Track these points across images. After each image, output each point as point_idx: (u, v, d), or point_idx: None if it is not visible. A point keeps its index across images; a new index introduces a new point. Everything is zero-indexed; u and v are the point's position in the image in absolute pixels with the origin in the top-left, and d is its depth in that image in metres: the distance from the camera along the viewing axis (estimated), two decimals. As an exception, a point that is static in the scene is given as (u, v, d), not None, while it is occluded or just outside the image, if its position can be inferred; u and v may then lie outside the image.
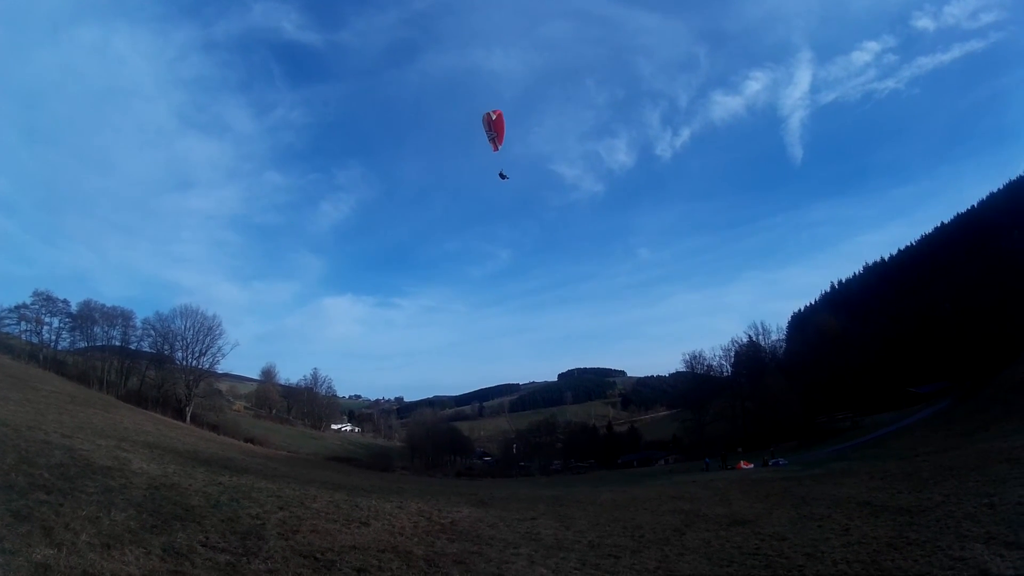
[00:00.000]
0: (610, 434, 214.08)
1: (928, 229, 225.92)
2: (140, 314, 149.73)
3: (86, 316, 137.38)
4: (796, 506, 28.55)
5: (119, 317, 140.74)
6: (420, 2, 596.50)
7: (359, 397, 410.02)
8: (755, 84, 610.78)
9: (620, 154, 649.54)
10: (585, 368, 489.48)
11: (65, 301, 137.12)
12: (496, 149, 49.44)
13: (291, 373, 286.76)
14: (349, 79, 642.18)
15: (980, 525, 18.99)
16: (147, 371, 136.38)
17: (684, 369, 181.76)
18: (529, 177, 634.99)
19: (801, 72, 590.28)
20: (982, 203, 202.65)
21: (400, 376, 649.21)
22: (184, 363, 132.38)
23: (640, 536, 23.24)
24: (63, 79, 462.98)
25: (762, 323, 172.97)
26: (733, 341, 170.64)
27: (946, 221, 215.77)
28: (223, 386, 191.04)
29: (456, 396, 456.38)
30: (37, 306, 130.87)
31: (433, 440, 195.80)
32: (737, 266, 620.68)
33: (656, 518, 28.36)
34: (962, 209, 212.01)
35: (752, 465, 73.85)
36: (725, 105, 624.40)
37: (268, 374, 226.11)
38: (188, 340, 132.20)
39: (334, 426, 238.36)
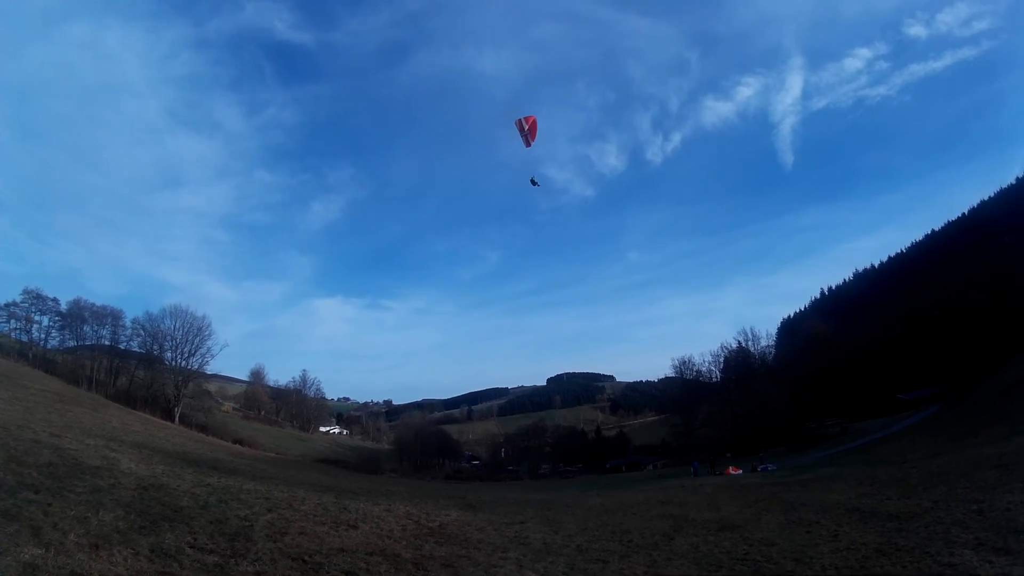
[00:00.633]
0: (599, 438, 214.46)
1: (919, 236, 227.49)
2: (130, 313, 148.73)
3: (76, 315, 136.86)
4: (785, 512, 28.53)
5: (109, 316, 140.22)
6: (412, 3, 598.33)
7: (348, 399, 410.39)
8: (746, 89, 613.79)
9: (611, 157, 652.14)
10: (574, 372, 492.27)
11: (55, 299, 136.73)
12: (528, 145, 49.84)
13: (280, 374, 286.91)
14: (340, 79, 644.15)
15: (969, 531, 19.03)
16: (136, 371, 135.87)
17: (673, 374, 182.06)
18: (519, 179, 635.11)
19: (793, 78, 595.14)
20: (973, 210, 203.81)
21: (389, 378, 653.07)
22: (173, 363, 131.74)
23: (629, 541, 23.22)
24: (54, 75, 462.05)
25: (752, 328, 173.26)
26: (723, 346, 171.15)
27: (937, 228, 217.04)
28: (212, 387, 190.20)
29: (445, 399, 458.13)
30: (27, 304, 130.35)
31: (421, 443, 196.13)
32: (727, 271, 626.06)
33: (645, 523, 28.38)
34: (953, 216, 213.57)
35: (741, 470, 73.88)
36: (716, 110, 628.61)
37: (257, 375, 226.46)
38: (177, 340, 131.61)
39: (322, 428, 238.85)
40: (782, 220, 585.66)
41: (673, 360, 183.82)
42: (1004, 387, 73.88)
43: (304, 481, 49.65)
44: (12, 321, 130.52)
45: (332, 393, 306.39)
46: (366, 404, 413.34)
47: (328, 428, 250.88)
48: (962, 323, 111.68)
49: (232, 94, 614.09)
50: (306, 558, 16.59)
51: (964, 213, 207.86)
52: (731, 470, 74.79)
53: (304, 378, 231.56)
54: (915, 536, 19.66)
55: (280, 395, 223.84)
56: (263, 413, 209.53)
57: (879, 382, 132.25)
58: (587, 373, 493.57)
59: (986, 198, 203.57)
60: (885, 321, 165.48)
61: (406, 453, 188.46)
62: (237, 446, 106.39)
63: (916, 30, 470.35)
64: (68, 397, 77.19)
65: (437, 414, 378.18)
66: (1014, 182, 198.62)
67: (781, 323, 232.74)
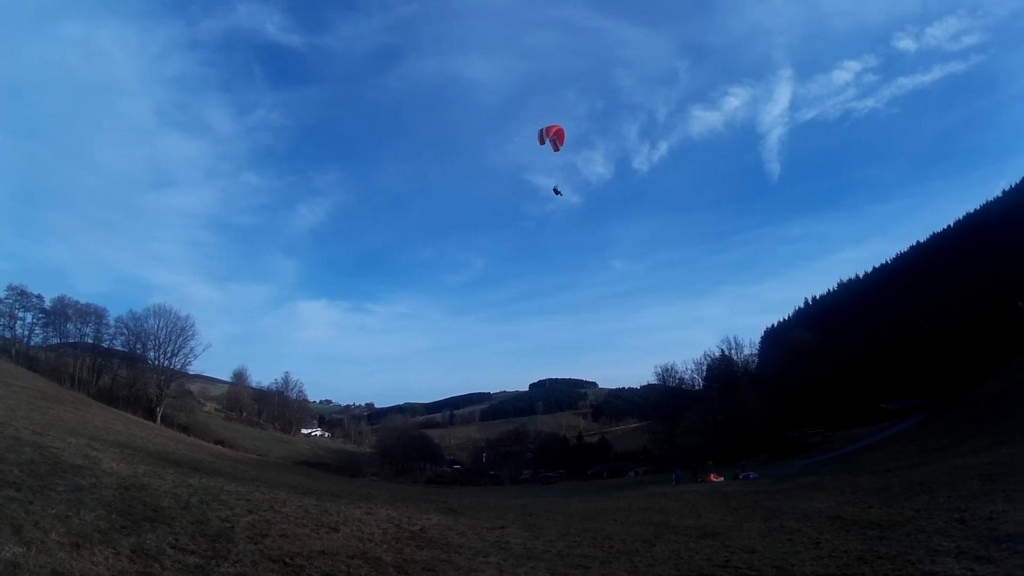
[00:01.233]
0: (580, 445, 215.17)
1: (904, 247, 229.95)
2: (113, 312, 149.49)
3: (60, 312, 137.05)
4: (766, 519, 28.66)
5: (92, 314, 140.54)
6: (405, 8, 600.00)
7: (330, 402, 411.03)
8: (735, 100, 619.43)
9: (597, 166, 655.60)
10: (557, 378, 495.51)
11: (39, 296, 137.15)
12: (557, 149, 50.17)
13: (263, 376, 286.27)
14: (330, 83, 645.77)
15: (951, 540, 19.25)
16: (119, 370, 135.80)
17: (656, 382, 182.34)
18: (506, 186, 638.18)
19: (781, 89, 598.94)
20: (959, 223, 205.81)
21: (372, 382, 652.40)
22: (156, 363, 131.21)
23: (610, 547, 23.24)
24: (46, 73, 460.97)
25: (735, 337, 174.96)
26: (706, 355, 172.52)
27: (922, 240, 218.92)
28: (194, 387, 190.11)
29: (427, 403, 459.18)
30: (11, 300, 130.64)
31: (403, 447, 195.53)
32: (712, 280, 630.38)
33: (626, 529, 28.41)
34: (939, 228, 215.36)
35: (722, 478, 74.11)
36: (704, 120, 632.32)
37: (240, 376, 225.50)
38: (161, 340, 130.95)
39: (304, 430, 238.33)
40: (768, 230, 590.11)
41: (656, 368, 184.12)
42: (987, 399, 74.47)
43: (285, 483, 49.49)
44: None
45: (314, 395, 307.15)
46: (348, 407, 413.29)
47: (310, 430, 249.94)
48: (946, 334, 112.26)
49: (222, 95, 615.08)
50: (287, 560, 16.55)
51: (950, 225, 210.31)
52: (713, 478, 75.01)
53: (287, 380, 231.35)
54: (897, 544, 19.85)
55: (262, 397, 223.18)
56: (245, 414, 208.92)
57: (862, 392, 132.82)
58: (570, 379, 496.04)
59: (972, 211, 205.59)
60: (869, 331, 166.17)
61: (388, 456, 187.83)
62: (219, 447, 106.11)
63: (905, 44, 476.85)
64: (51, 395, 76.89)
65: (419, 418, 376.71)
66: (1000, 195, 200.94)
67: (765, 332, 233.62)
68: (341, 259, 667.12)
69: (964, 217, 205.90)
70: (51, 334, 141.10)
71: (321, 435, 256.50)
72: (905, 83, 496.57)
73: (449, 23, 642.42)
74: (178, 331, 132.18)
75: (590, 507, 40.89)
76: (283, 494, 33.70)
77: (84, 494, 21.18)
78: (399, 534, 24.27)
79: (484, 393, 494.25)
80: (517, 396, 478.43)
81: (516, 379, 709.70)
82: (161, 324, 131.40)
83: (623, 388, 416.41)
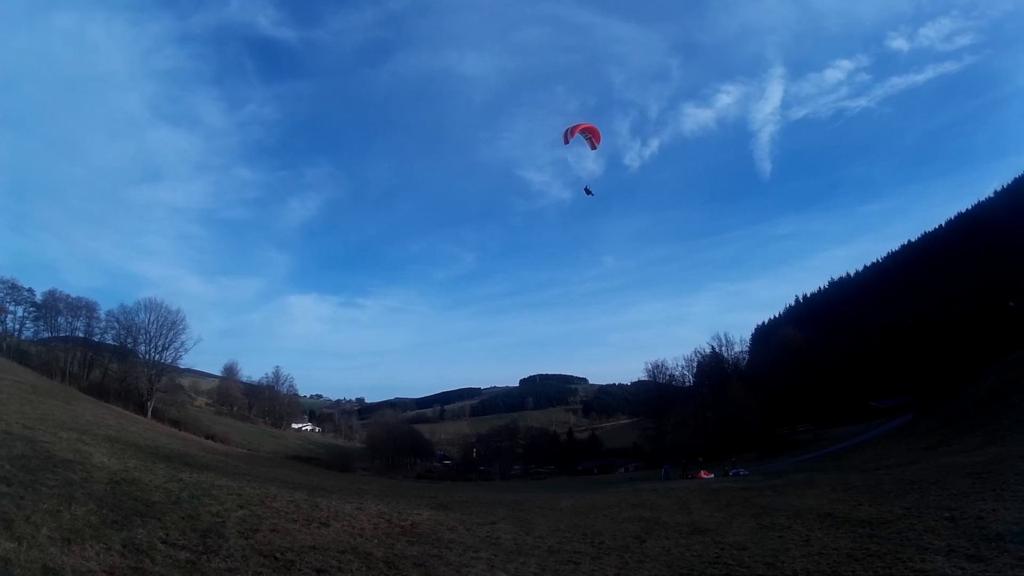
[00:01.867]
0: (571, 440, 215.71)
1: (895, 246, 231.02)
2: (104, 306, 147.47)
3: (51, 306, 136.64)
4: (757, 516, 28.65)
5: (83, 308, 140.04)
6: (396, 3, 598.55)
7: (320, 397, 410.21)
8: (726, 97, 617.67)
9: (588, 162, 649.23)
10: (547, 374, 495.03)
11: (30, 290, 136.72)
12: (594, 148, 50.01)
13: (253, 370, 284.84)
14: (322, 77, 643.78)
15: (941, 538, 19.17)
16: (110, 364, 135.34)
17: (646, 378, 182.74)
18: (496, 182, 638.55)
19: (773, 87, 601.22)
20: (950, 222, 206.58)
21: (362, 377, 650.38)
22: (147, 357, 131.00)
23: (600, 543, 23.27)
24: (36, 65, 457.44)
25: (725, 334, 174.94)
26: (696, 351, 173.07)
27: (913, 239, 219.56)
28: (185, 381, 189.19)
29: (417, 398, 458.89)
30: (1, 294, 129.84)
31: (394, 442, 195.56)
32: (702, 277, 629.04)
33: (616, 525, 28.42)
34: (929, 228, 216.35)
35: (712, 475, 74.18)
36: (695, 117, 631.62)
37: (230, 371, 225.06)
38: (151, 334, 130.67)
39: (295, 425, 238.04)
40: (758, 228, 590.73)
41: (646, 364, 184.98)
42: (978, 397, 74.41)
43: (276, 478, 49.49)
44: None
45: (305, 390, 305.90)
46: (339, 402, 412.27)
47: (300, 425, 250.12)
48: (937, 333, 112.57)
49: (214, 89, 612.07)
50: (278, 555, 16.62)
51: (941, 225, 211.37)
52: (703, 474, 75.05)
53: (277, 374, 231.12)
54: (887, 542, 19.77)
55: (253, 391, 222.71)
56: (236, 409, 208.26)
57: (853, 390, 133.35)
58: (560, 375, 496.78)
59: (964, 211, 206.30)
60: (860, 329, 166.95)
61: (378, 451, 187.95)
62: (209, 441, 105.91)
63: (899, 43, 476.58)
64: (42, 389, 76.58)
65: (410, 413, 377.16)
66: (992, 195, 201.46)
67: (755, 330, 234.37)
68: (332, 253, 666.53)
69: (956, 217, 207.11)
70: (42, 328, 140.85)
71: (311, 430, 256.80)
72: (898, 83, 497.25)
73: (440, 18, 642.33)
74: (169, 325, 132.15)
75: (580, 503, 40.85)
76: (274, 489, 33.70)
77: (75, 489, 21.19)
78: (390, 529, 24.31)
79: (474, 388, 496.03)
80: (507, 392, 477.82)
81: (506, 375, 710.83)
82: (152, 318, 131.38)
83: (613, 384, 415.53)
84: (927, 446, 60.64)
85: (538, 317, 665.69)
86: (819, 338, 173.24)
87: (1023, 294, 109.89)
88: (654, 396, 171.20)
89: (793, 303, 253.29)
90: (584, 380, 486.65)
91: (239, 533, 18.94)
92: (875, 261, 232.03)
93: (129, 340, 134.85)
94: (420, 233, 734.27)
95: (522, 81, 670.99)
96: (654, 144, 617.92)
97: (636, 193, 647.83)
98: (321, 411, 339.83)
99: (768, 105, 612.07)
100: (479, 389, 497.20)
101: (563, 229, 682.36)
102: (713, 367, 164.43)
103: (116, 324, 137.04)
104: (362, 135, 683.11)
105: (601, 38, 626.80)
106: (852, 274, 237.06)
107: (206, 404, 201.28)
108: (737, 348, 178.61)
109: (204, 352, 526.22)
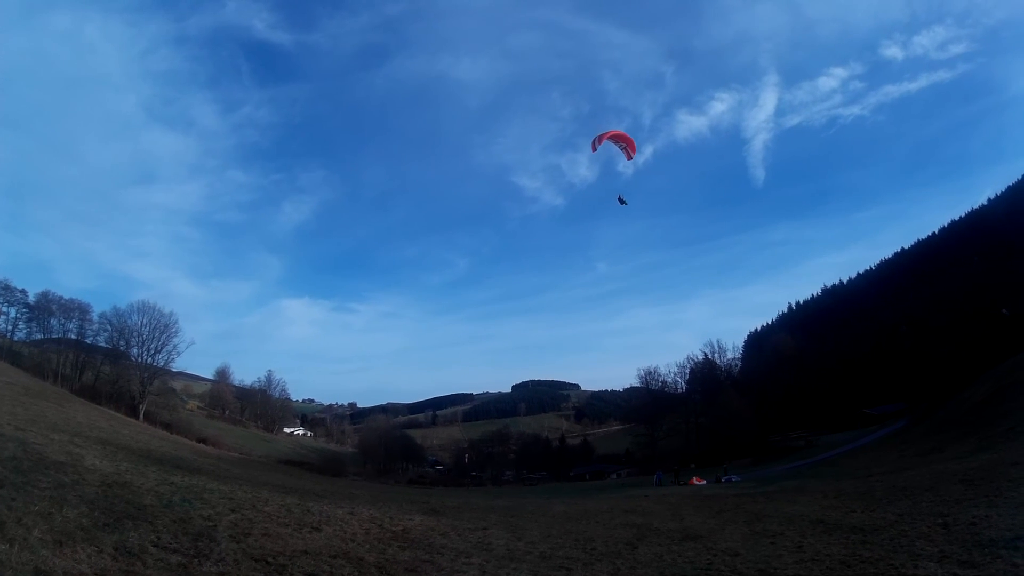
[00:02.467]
0: (563, 446, 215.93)
1: (888, 253, 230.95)
2: (97, 307, 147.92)
3: (44, 307, 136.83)
4: (749, 522, 28.68)
5: (76, 310, 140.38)
6: (392, 7, 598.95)
7: (312, 401, 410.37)
8: (720, 105, 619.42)
9: (582, 168, 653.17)
10: (539, 380, 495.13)
11: (23, 291, 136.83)
12: (630, 158, 49.74)
13: (245, 374, 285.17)
14: (317, 81, 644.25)
15: (934, 544, 19.19)
16: (102, 366, 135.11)
17: (639, 384, 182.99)
18: (490, 187, 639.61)
19: (767, 95, 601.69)
20: (943, 230, 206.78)
21: (354, 381, 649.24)
22: (139, 360, 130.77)
23: (592, 549, 23.27)
24: (33, 65, 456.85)
25: (718, 341, 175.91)
26: (688, 358, 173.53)
27: (907, 246, 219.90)
28: (177, 385, 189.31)
29: (409, 403, 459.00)
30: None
31: (386, 447, 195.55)
32: (695, 283, 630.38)
33: (608, 531, 28.42)
34: (923, 235, 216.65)
35: (705, 481, 74.37)
36: (689, 124, 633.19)
37: (222, 374, 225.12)
38: (144, 336, 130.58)
39: (287, 429, 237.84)
40: (751, 235, 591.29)
41: (639, 370, 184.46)
42: (971, 404, 74.59)
43: (268, 482, 49.50)
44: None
45: (297, 394, 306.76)
46: (331, 406, 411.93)
47: (292, 429, 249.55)
48: (930, 340, 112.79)
49: (209, 92, 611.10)
50: (269, 559, 16.61)
51: (935, 232, 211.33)
52: (695, 480, 75.20)
53: (269, 378, 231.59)
54: (879, 548, 19.80)
55: (245, 395, 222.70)
56: (228, 412, 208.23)
57: (845, 396, 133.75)
58: (552, 381, 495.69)
59: (957, 218, 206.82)
60: (852, 336, 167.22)
61: (370, 456, 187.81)
62: (201, 445, 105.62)
63: (892, 52, 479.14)
64: (34, 391, 76.55)
65: (402, 418, 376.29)
66: (986, 203, 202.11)
67: (748, 336, 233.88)
68: (325, 257, 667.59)
69: (949, 224, 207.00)
70: (35, 329, 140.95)
71: (303, 434, 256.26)
72: (892, 91, 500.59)
73: (435, 22, 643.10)
74: (161, 328, 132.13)
75: (572, 509, 40.91)
76: (265, 493, 33.73)
77: (67, 491, 21.17)
78: (381, 534, 24.30)
79: (467, 394, 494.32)
80: (500, 397, 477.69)
81: (499, 380, 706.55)
82: (145, 321, 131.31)
83: (606, 390, 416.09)
84: (920, 452, 60.77)
85: (531, 322, 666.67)
86: (812, 345, 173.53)
87: (1016, 301, 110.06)
88: (646, 402, 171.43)
89: (786, 310, 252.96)
90: (576, 386, 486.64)
91: (231, 537, 18.90)
92: (868, 268, 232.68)
93: (122, 342, 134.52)
94: (413, 238, 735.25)
95: (516, 86, 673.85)
96: (648, 150, 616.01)
97: (629, 199, 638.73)
98: (313, 415, 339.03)
99: (762, 112, 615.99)
100: (471, 395, 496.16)
101: (556, 235, 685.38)
102: (706, 373, 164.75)
103: (109, 326, 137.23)
104: (356, 139, 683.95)
105: (596, 44, 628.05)
106: (845, 281, 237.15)
107: (198, 407, 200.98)
108: (730, 355, 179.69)
109: (197, 355, 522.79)
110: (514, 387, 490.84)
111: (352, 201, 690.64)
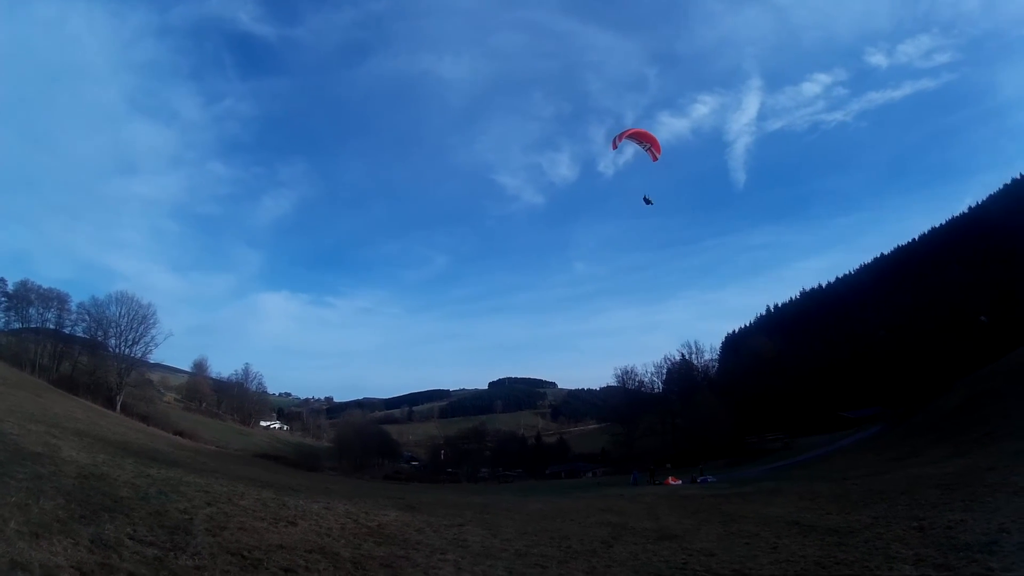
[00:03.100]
0: (539, 444, 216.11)
1: (868, 259, 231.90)
2: (76, 298, 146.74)
3: (22, 296, 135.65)
4: (724, 523, 28.99)
5: (55, 299, 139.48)
6: (376, 4, 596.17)
7: (289, 395, 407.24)
8: (703, 108, 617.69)
9: (563, 168, 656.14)
10: (516, 378, 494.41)
11: (2, 280, 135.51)
12: (655, 159, 49.50)
13: (223, 367, 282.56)
14: (299, 75, 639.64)
15: (909, 547, 19.48)
16: (79, 357, 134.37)
17: (616, 383, 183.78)
18: (470, 185, 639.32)
19: (750, 99, 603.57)
20: (923, 237, 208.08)
21: (331, 376, 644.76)
22: (117, 351, 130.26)
23: (567, 547, 23.45)
24: (14, 54, 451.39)
25: (695, 342, 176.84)
26: (666, 358, 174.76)
27: (886, 252, 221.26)
28: (154, 377, 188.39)
29: (386, 399, 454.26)
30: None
31: (362, 442, 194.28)
32: (674, 284, 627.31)
33: (584, 529, 28.65)
34: (903, 241, 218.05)
35: (681, 481, 74.69)
36: (671, 126, 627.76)
37: (200, 367, 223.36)
38: (122, 327, 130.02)
39: (263, 423, 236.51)
40: (731, 238, 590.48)
41: (616, 370, 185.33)
42: (947, 410, 75.32)
43: (244, 476, 49.33)
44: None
45: (274, 388, 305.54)
46: (307, 400, 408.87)
47: (269, 423, 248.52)
48: (908, 345, 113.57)
49: (191, 83, 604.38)
50: (245, 553, 16.63)
51: (915, 239, 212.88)
52: (671, 480, 75.52)
53: (247, 372, 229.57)
54: (855, 550, 20.11)
55: (222, 388, 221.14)
56: (205, 405, 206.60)
57: (822, 399, 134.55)
58: (529, 379, 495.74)
59: (938, 225, 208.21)
60: (830, 340, 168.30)
61: (346, 451, 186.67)
62: (178, 438, 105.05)
63: (877, 59, 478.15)
64: (11, 380, 76.27)
65: (378, 413, 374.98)
66: (966, 211, 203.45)
67: (725, 338, 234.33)
68: (304, 252, 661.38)
69: (930, 231, 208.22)
70: (13, 318, 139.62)
71: (280, 428, 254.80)
72: (875, 98, 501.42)
73: (419, 20, 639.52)
74: (140, 319, 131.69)
75: (548, 507, 41.09)
76: (242, 487, 33.63)
77: (44, 482, 21.12)
78: (357, 529, 24.33)
79: (443, 390, 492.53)
80: (476, 394, 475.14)
81: (475, 377, 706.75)
82: (123, 311, 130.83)
83: (583, 389, 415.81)
84: (896, 457, 61.38)
85: (508, 321, 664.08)
86: (789, 348, 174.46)
87: (995, 309, 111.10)
88: (623, 402, 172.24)
89: (764, 312, 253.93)
90: (553, 384, 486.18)
91: (207, 530, 18.90)
92: (848, 273, 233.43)
93: (100, 333, 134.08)
94: (392, 234, 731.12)
95: (498, 86, 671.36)
96: (629, 151, 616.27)
97: (610, 200, 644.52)
98: (290, 409, 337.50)
99: (744, 116, 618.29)
100: (448, 391, 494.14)
101: (535, 234, 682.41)
102: (683, 374, 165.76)
103: (87, 316, 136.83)
104: (337, 135, 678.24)
105: (579, 45, 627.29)
106: (824, 285, 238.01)
107: (175, 400, 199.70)
108: (707, 356, 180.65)
109: (174, 348, 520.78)
110: (491, 384, 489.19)
111: (332, 196, 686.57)
